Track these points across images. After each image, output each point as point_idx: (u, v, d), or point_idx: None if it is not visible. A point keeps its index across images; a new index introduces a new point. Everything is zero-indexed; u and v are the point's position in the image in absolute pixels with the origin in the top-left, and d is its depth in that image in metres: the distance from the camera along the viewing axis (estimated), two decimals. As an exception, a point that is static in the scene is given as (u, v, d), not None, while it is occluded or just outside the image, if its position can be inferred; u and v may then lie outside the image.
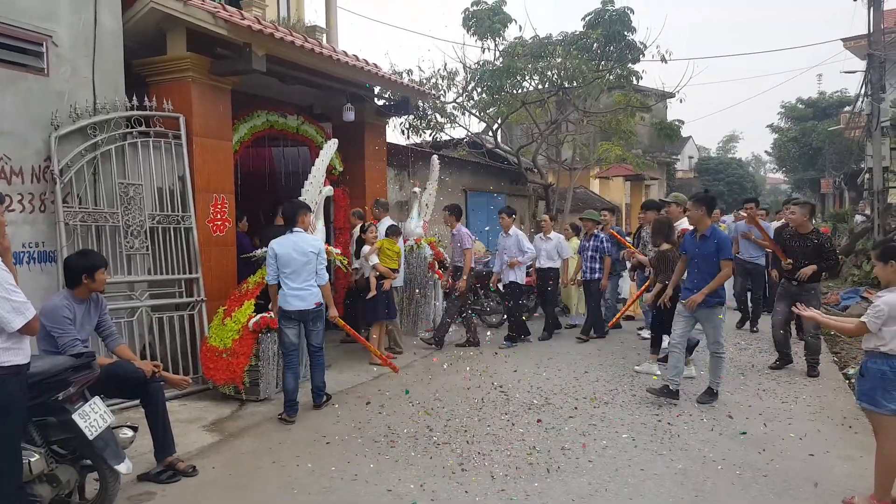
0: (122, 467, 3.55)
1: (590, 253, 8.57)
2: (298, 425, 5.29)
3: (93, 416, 3.50)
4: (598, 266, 8.55)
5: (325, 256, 5.98)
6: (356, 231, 8.24)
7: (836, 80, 66.00)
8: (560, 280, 9.03)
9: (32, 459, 3.27)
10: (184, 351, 6.20)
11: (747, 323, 9.22)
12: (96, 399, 3.62)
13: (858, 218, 17.83)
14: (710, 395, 5.75)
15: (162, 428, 4.21)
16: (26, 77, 5.26)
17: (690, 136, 40.15)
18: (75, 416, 3.41)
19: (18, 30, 5.19)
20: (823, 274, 6.80)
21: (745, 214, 8.79)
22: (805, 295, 6.39)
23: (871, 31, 12.83)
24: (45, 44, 5.37)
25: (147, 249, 6.04)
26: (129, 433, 3.85)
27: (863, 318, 3.60)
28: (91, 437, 3.43)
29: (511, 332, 8.45)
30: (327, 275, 5.89)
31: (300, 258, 5.51)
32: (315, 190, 6.80)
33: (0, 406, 2.91)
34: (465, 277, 8.15)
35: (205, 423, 5.35)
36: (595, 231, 8.63)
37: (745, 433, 4.95)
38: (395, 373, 6.97)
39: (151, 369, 4.18)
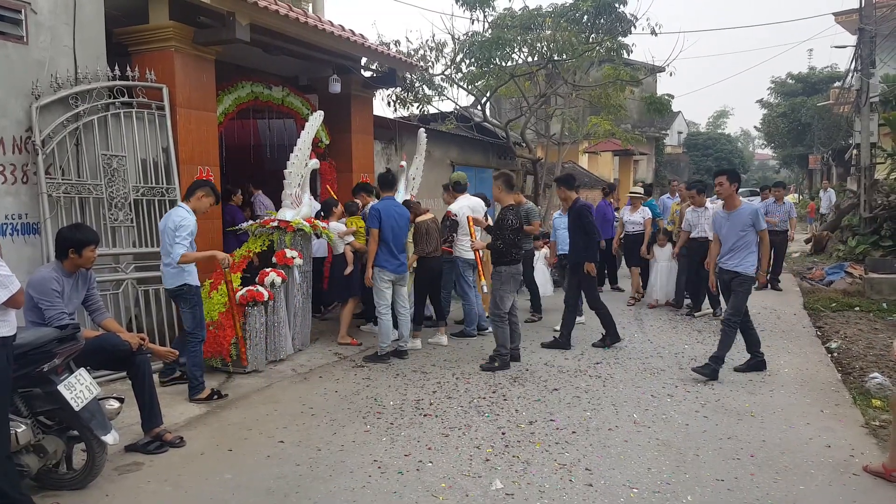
0: (109, 438, 3.58)
1: None
2: (285, 398, 5.33)
3: (78, 388, 3.52)
4: None
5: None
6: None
7: (826, 55, 65.90)
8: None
9: (19, 430, 3.30)
10: (170, 323, 6.19)
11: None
12: (82, 371, 3.63)
13: (827, 194, 18.20)
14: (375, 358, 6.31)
15: (149, 399, 4.22)
16: (5, 45, 5.14)
17: (680, 112, 40.08)
18: (61, 388, 3.42)
19: (-5, -4, 5.07)
20: (513, 254, 6.17)
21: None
22: (493, 276, 6.30)
23: (863, 5, 12.78)
24: (23, 11, 5.24)
25: (131, 222, 6.00)
26: (116, 404, 3.89)
27: None
28: (77, 408, 3.46)
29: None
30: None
31: None
32: (301, 163, 6.76)
33: (-15, 377, 2.91)
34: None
35: (192, 395, 5.36)
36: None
37: (725, 405, 5.06)
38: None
39: (138, 342, 4.19)
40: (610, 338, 6.90)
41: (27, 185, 5.32)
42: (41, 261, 5.23)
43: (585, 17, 13.37)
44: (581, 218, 6.70)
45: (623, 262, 10.76)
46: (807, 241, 16.47)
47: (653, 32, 13.33)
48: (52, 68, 5.47)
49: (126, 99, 6.05)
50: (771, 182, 12.30)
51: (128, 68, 6.06)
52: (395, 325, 6.64)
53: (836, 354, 6.48)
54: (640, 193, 9.93)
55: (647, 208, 9.62)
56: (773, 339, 7.10)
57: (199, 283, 5.30)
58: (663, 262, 9.12)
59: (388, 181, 6.70)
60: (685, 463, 3.99)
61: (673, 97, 18.39)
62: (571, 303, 6.99)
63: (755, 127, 46.30)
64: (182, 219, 5.05)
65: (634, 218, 9.60)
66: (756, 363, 5.97)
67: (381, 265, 6.34)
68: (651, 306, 9.14)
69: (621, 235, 9.90)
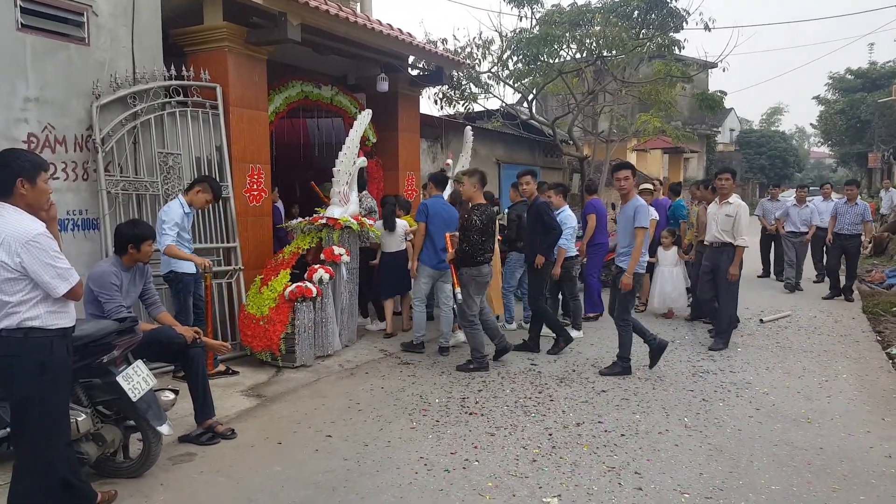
0: (164, 429, 3.67)
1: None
2: (332, 393, 5.39)
3: (136, 379, 3.61)
4: None
5: None
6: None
7: (889, 49, 62.96)
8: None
9: (80, 419, 3.40)
10: (222, 318, 6.34)
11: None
12: (139, 362, 3.73)
13: (889, 194, 17.32)
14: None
15: (202, 392, 4.31)
16: (68, 47, 5.34)
17: (732, 108, 39.09)
18: (119, 379, 3.52)
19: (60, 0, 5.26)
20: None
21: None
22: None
23: (929, -4, 12.22)
24: (85, 13, 5.43)
25: (186, 218, 6.14)
26: (171, 396, 3.98)
27: None
28: (134, 399, 3.55)
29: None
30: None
31: None
32: (349, 161, 6.82)
33: (48, 366, 3.00)
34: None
35: (243, 388, 5.48)
36: None
37: (780, 410, 4.89)
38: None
39: (192, 335, 4.28)
40: (546, 343, 6.64)
41: (87, 182, 5.51)
42: (100, 255, 5.41)
43: (636, 12, 13.12)
44: (541, 214, 6.54)
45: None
46: (868, 243, 15.82)
47: (706, 27, 13.00)
48: (112, 69, 5.65)
49: (181, 98, 6.20)
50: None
51: (183, 68, 6.21)
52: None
53: (897, 361, 6.21)
54: (650, 189, 8.95)
55: (652, 208, 8.42)
56: (830, 344, 6.87)
57: (191, 272, 5.44)
58: (666, 266, 8.24)
59: (441, 180, 6.91)
60: (738, 469, 3.88)
61: (725, 94, 17.86)
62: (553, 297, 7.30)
63: (811, 124, 44.80)
64: (164, 211, 5.37)
65: None
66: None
67: (421, 260, 6.53)
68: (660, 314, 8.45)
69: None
